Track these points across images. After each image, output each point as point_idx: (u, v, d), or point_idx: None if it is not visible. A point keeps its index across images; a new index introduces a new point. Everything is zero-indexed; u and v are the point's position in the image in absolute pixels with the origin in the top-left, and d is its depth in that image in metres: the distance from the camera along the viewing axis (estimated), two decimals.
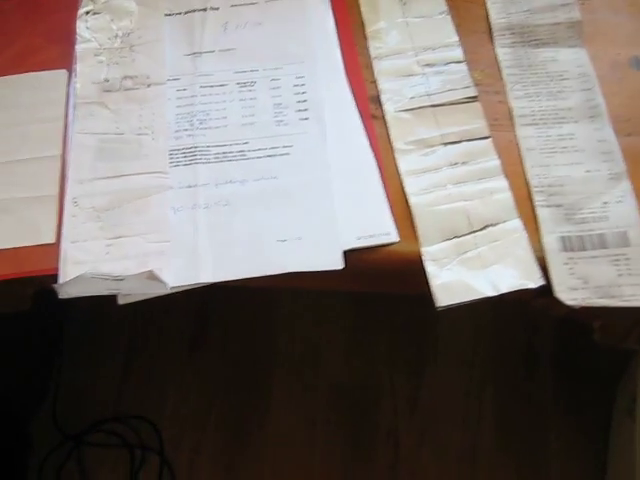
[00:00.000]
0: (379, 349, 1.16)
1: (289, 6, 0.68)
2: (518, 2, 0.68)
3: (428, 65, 0.65)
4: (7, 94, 0.66)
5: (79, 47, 0.67)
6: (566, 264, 0.55)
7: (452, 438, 1.09)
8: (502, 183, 0.59)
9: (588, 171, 0.60)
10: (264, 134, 0.62)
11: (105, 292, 0.56)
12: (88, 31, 0.68)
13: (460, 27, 0.67)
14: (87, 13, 0.69)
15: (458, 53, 0.66)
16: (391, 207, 0.58)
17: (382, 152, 0.61)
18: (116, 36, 0.68)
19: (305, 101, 0.64)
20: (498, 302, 0.55)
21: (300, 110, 0.63)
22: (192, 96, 0.65)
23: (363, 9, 0.68)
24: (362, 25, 0.68)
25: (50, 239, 0.59)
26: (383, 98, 0.63)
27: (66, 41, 0.68)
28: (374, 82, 0.64)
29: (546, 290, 0.55)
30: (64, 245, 0.58)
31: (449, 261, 0.56)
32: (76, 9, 0.69)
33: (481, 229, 0.57)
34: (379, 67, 0.65)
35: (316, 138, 0.62)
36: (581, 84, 0.64)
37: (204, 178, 0.61)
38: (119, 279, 0.55)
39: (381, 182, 0.59)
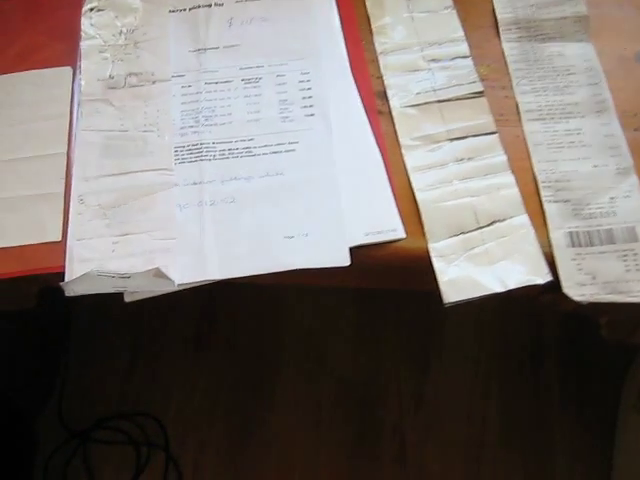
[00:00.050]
0: (385, 346, 1.16)
1: (294, 2, 0.68)
2: None
3: (434, 60, 0.65)
4: (11, 92, 0.66)
5: (83, 44, 0.67)
6: (574, 260, 0.55)
7: (458, 434, 1.09)
8: (509, 179, 0.59)
9: (595, 166, 0.59)
10: (269, 130, 0.62)
11: (111, 290, 0.56)
12: (92, 28, 0.68)
13: (466, 22, 0.67)
14: (91, 10, 0.69)
15: (464, 48, 0.65)
16: (397, 203, 0.58)
17: (388, 148, 0.61)
18: (120, 33, 0.68)
19: (310, 97, 0.63)
20: (505, 298, 0.55)
21: (305, 106, 0.63)
22: (197, 93, 0.64)
23: (368, 4, 0.68)
24: (368, 20, 0.67)
25: (56, 237, 0.58)
26: (389, 93, 0.63)
27: (70, 38, 0.68)
28: (380, 77, 0.64)
29: (554, 286, 0.54)
30: (70, 243, 0.58)
31: (456, 257, 0.55)
32: (80, 6, 0.69)
33: (488, 225, 0.57)
34: (385, 62, 0.65)
35: (322, 134, 0.62)
36: (588, 79, 0.64)
37: (210, 175, 0.60)
38: (125, 277, 0.55)
39: (387, 178, 0.59)
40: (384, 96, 0.63)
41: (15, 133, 0.64)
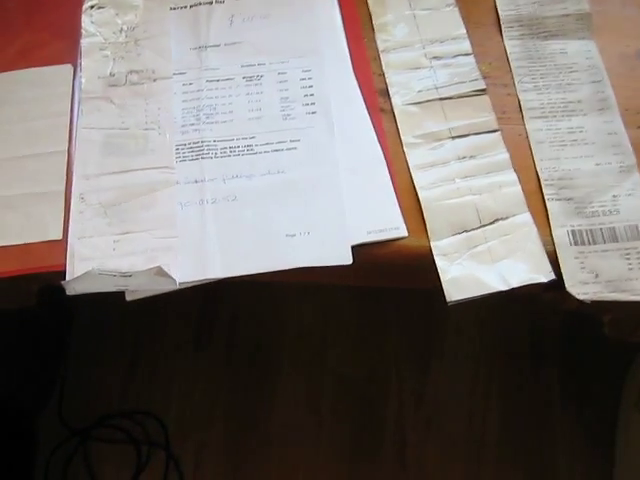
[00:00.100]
0: (385, 346, 1.16)
1: None
2: None
3: (436, 58, 0.65)
4: (12, 89, 0.66)
5: (84, 41, 0.67)
6: (577, 258, 0.55)
7: (458, 434, 1.09)
8: (511, 177, 0.59)
9: (598, 164, 0.59)
10: (271, 128, 0.62)
11: (113, 288, 0.56)
12: (93, 25, 0.67)
13: (468, 19, 0.67)
14: (92, 7, 0.68)
15: (466, 46, 0.65)
16: (399, 201, 0.58)
17: (390, 146, 0.60)
18: (121, 30, 0.67)
19: (312, 95, 0.63)
20: (507, 297, 0.55)
21: (307, 104, 0.63)
22: (198, 90, 0.64)
23: (370, 2, 0.68)
24: (369, 18, 0.67)
25: (57, 235, 0.58)
26: (391, 91, 0.63)
27: (71, 36, 0.67)
28: (382, 75, 0.64)
29: (556, 284, 0.54)
30: (71, 241, 0.58)
31: (459, 256, 0.55)
32: (80, 3, 0.68)
33: (491, 223, 0.57)
34: (387, 60, 0.65)
35: (324, 132, 0.61)
36: (590, 76, 0.63)
37: (211, 173, 0.60)
38: (127, 275, 0.55)
39: (389, 176, 0.59)
40: (386, 94, 0.63)
41: (15, 131, 0.63)
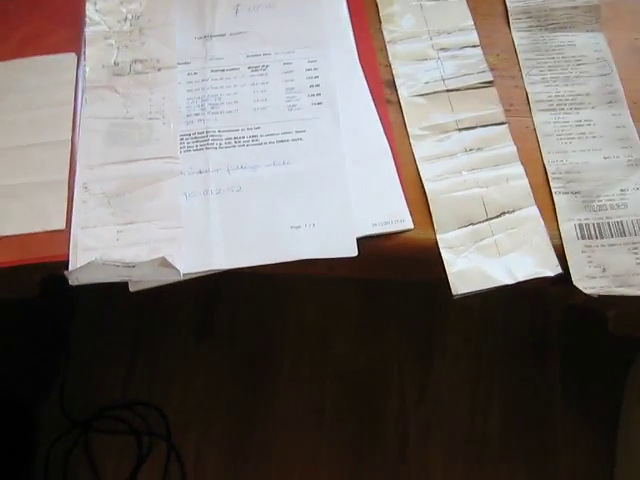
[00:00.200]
0: (388, 338, 1.16)
1: None
2: None
3: (443, 49, 0.64)
4: (15, 78, 0.65)
5: (88, 30, 0.66)
6: (584, 252, 0.55)
7: (459, 432, 1.09)
8: (518, 169, 0.58)
9: (606, 157, 0.59)
10: (276, 119, 0.61)
11: (116, 279, 0.56)
12: (97, 14, 0.67)
13: (475, 10, 0.66)
14: None
15: (473, 37, 0.65)
16: (405, 193, 0.57)
17: (396, 137, 0.60)
18: (126, 19, 0.67)
19: (318, 85, 0.63)
20: (513, 291, 0.54)
21: (313, 95, 0.62)
22: (203, 80, 0.64)
23: None
24: (376, 8, 0.67)
25: (60, 225, 0.58)
26: (398, 82, 0.62)
27: (75, 24, 0.67)
28: (388, 66, 0.63)
29: (563, 278, 0.54)
30: (74, 231, 0.57)
31: (465, 249, 0.55)
32: None
33: (497, 216, 0.56)
34: (393, 51, 0.64)
35: (329, 123, 0.61)
36: (599, 69, 0.63)
37: (216, 163, 0.60)
38: (130, 266, 0.55)
39: (395, 168, 0.58)
40: (392, 85, 0.63)
41: (19, 120, 0.63)
